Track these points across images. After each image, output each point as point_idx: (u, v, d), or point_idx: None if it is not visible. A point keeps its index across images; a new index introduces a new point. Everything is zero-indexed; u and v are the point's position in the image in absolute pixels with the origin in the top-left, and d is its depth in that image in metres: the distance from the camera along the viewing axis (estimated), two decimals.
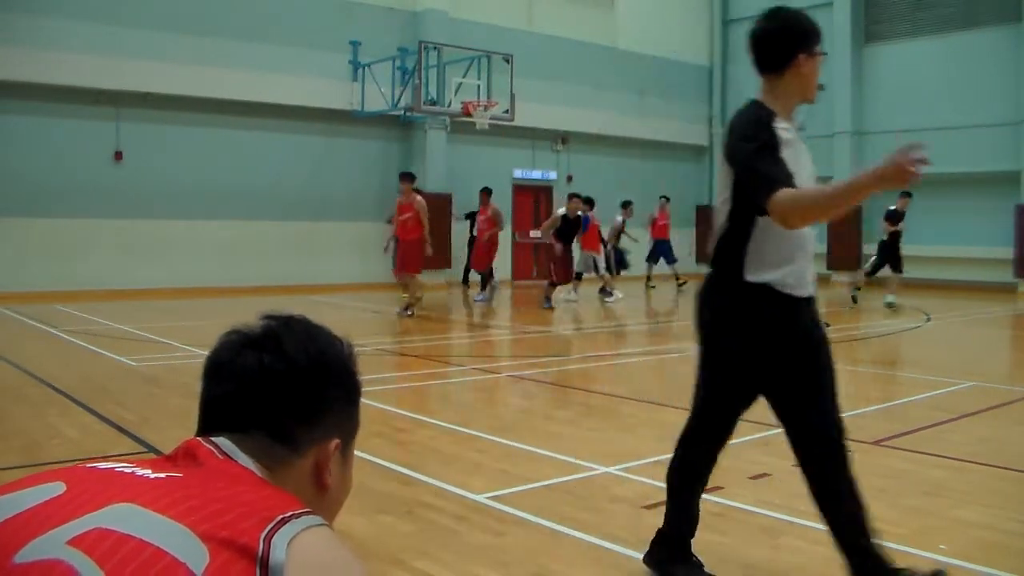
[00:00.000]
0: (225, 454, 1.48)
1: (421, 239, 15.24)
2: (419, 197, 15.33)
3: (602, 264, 19.73)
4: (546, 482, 5.44)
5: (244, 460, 1.48)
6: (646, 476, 5.54)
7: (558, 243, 17.34)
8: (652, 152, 27.88)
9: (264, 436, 1.53)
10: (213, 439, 1.51)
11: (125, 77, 18.13)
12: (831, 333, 12.69)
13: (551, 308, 17.16)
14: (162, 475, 1.38)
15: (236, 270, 19.67)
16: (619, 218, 22.03)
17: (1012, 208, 23.00)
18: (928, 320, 16.14)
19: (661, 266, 23.27)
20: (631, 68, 26.99)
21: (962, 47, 24.25)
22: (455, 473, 5.62)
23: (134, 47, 18.20)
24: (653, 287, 22.81)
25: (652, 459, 6.01)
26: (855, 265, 26.06)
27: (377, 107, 20.77)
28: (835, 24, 26.33)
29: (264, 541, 1.25)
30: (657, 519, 4.74)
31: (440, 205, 21.95)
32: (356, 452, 5.09)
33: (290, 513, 1.32)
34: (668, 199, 23.83)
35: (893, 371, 10.33)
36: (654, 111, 27.52)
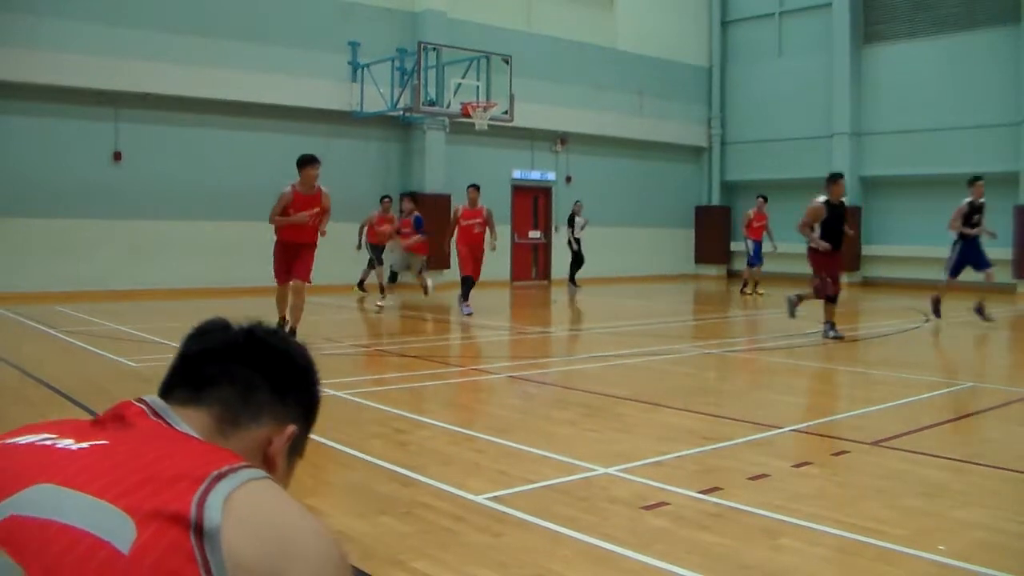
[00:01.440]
0: (158, 415, 1.43)
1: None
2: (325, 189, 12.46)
3: (421, 267, 18.62)
4: (545, 483, 5.44)
5: (179, 423, 1.43)
6: (645, 477, 5.55)
7: (823, 241, 13.68)
8: (651, 153, 27.89)
9: (231, 394, 1.51)
10: (145, 399, 1.46)
11: (124, 78, 18.13)
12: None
13: (840, 337, 13.16)
14: (85, 445, 1.32)
15: (236, 270, 19.65)
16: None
17: (1011, 209, 23.01)
18: (927, 321, 16.14)
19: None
20: (630, 69, 26.99)
21: (961, 48, 24.26)
22: (454, 474, 5.62)
23: (133, 48, 18.20)
24: (762, 293, 21.18)
25: (651, 460, 6.02)
26: (856, 265, 26.11)
27: (376, 108, 20.78)
28: (834, 25, 26.38)
29: (197, 505, 1.20)
30: (656, 520, 4.75)
31: (439, 206, 21.96)
32: (356, 452, 5.12)
33: (226, 468, 1.27)
34: (766, 199, 21.79)
35: (892, 372, 10.33)
36: (653, 112, 27.52)
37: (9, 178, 17.27)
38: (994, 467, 5.99)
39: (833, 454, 6.31)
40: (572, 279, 23.02)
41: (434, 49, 20.28)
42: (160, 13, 18.64)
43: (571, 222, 22.94)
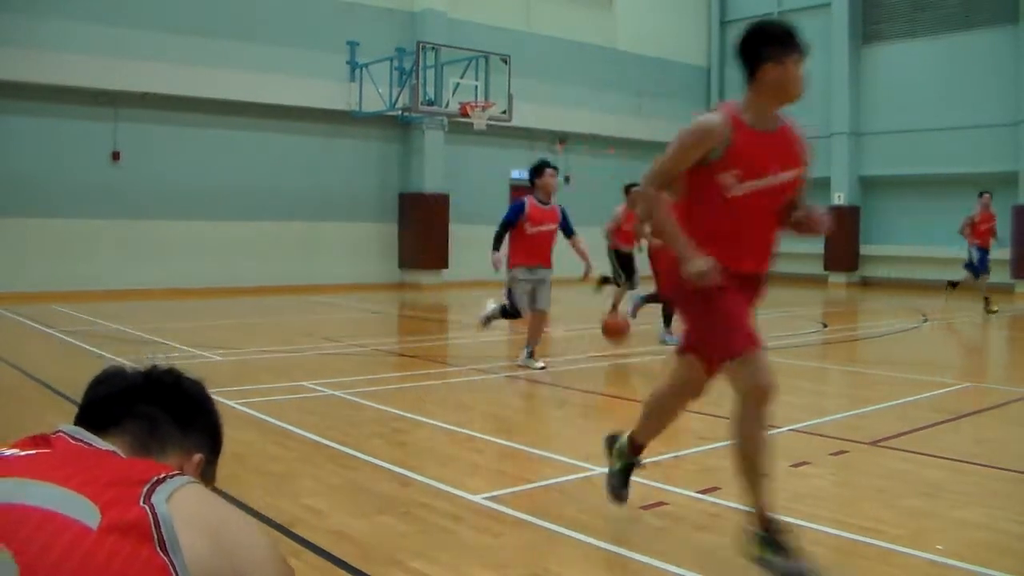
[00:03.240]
0: (78, 440, 1.52)
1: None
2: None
3: None
4: (544, 482, 5.44)
5: (101, 444, 1.53)
6: (643, 477, 5.53)
7: None
8: (650, 153, 27.46)
9: (137, 428, 1.62)
10: (62, 429, 1.55)
11: (123, 77, 18.12)
12: (826, 334, 12.67)
13: None
14: (32, 452, 1.43)
15: (234, 271, 19.68)
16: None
17: (1009, 209, 23.01)
18: (925, 321, 16.15)
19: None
20: (629, 69, 27.00)
21: (960, 48, 24.28)
22: (453, 473, 5.63)
23: (132, 47, 18.19)
24: (995, 310, 17.68)
25: (650, 460, 6.01)
26: (854, 265, 26.10)
27: (375, 108, 20.76)
28: (833, 25, 26.36)
29: (146, 502, 1.31)
30: (654, 519, 4.75)
31: (437, 206, 21.98)
32: (355, 452, 5.11)
33: (164, 474, 1.39)
34: (991, 194, 18.43)
35: (891, 372, 10.34)
36: (652, 112, 27.50)
37: (8, 178, 17.27)
38: (993, 467, 5.99)
39: (832, 454, 6.31)
40: None
41: (433, 49, 20.27)
42: (159, 13, 18.63)
43: None
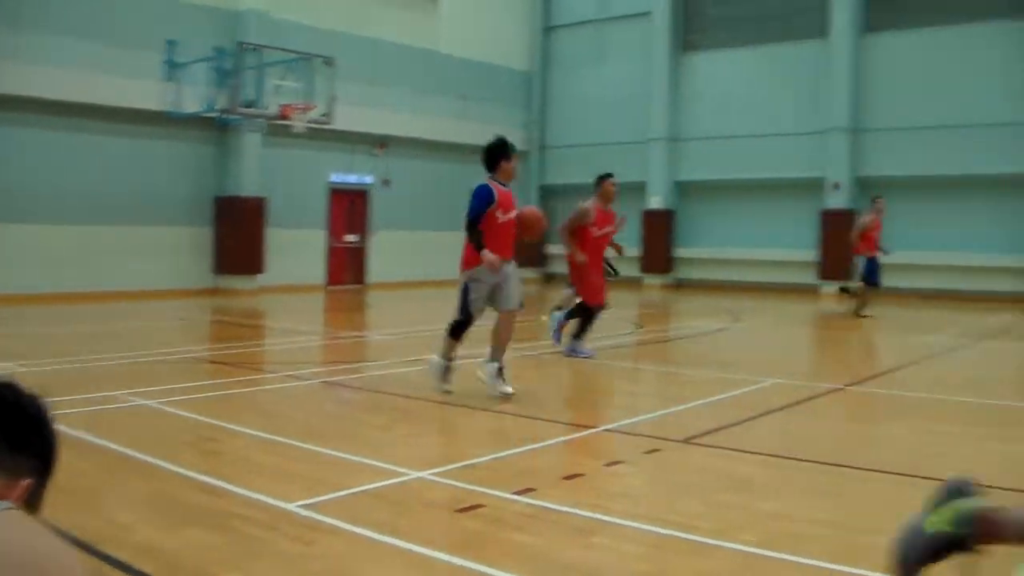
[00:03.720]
0: None
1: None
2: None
3: None
4: (359, 488, 5.36)
5: None
6: (459, 480, 5.53)
7: None
8: (471, 157, 27.79)
9: None
10: None
11: None
12: (641, 335, 12.94)
13: None
14: None
15: (43, 276, 18.66)
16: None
17: (816, 213, 24.10)
18: (736, 321, 16.70)
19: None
20: (453, 72, 27.06)
21: (774, 59, 25.34)
22: (266, 482, 5.48)
23: None
24: (867, 316, 17.07)
25: (465, 463, 6.01)
26: (668, 268, 26.82)
27: (192, 108, 20.10)
28: (654, 32, 27.07)
29: None
30: (470, 522, 4.74)
31: (253, 209, 21.52)
32: (162, 463, 4.95)
33: None
34: (882, 198, 17.60)
35: (703, 371, 10.64)
36: (474, 116, 27.60)
37: None
38: (797, 459, 6.22)
39: (645, 452, 6.43)
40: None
41: (254, 49, 19.81)
42: None
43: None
